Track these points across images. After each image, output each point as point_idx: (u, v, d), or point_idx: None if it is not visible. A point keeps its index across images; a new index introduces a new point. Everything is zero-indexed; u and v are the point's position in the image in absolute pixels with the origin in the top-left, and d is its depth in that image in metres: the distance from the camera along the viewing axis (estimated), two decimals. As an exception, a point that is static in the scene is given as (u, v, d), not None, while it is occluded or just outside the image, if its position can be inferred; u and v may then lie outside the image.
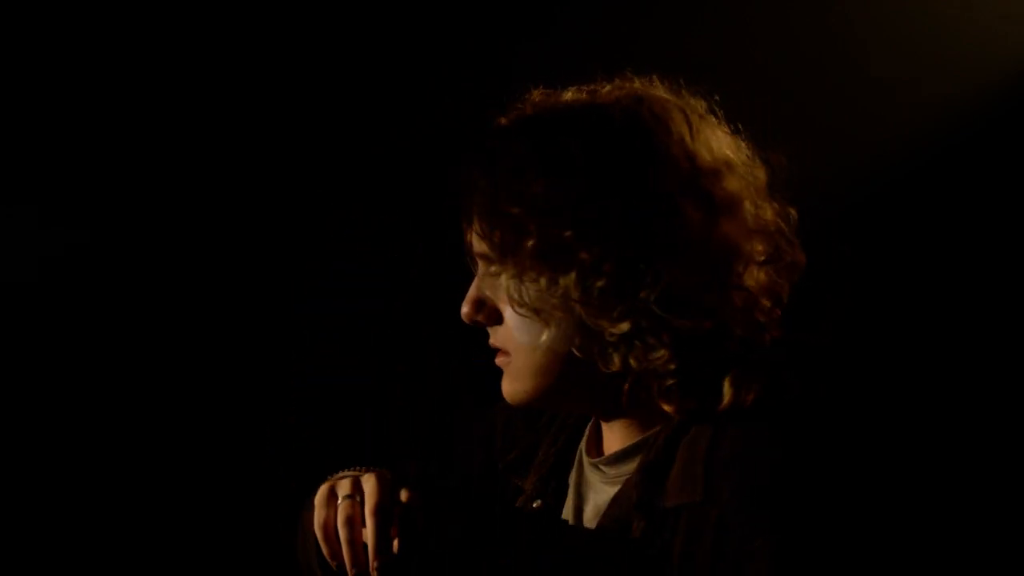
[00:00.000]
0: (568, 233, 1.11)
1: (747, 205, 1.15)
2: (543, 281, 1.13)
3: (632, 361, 1.13)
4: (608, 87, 1.20)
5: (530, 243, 1.13)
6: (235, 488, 2.08)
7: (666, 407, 1.15)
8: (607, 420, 1.24)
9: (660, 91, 1.19)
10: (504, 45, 2.04)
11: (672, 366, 1.12)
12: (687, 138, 1.14)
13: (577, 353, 1.15)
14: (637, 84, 1.20)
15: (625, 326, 1.12)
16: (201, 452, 2.08)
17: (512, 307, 1.17)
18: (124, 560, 2.03)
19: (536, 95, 1.21)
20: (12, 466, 2.00)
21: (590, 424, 1.31)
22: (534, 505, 1.31)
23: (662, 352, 1.12)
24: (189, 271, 2.07)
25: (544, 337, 1.16)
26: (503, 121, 1.21)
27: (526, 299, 1.15)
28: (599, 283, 1.11)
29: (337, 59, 2.08)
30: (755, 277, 1.15)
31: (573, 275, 1.12)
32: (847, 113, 2.00)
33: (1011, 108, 1.96)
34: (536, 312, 1.15)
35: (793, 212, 1.19)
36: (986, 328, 1.93)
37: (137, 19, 2.00)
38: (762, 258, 1.16)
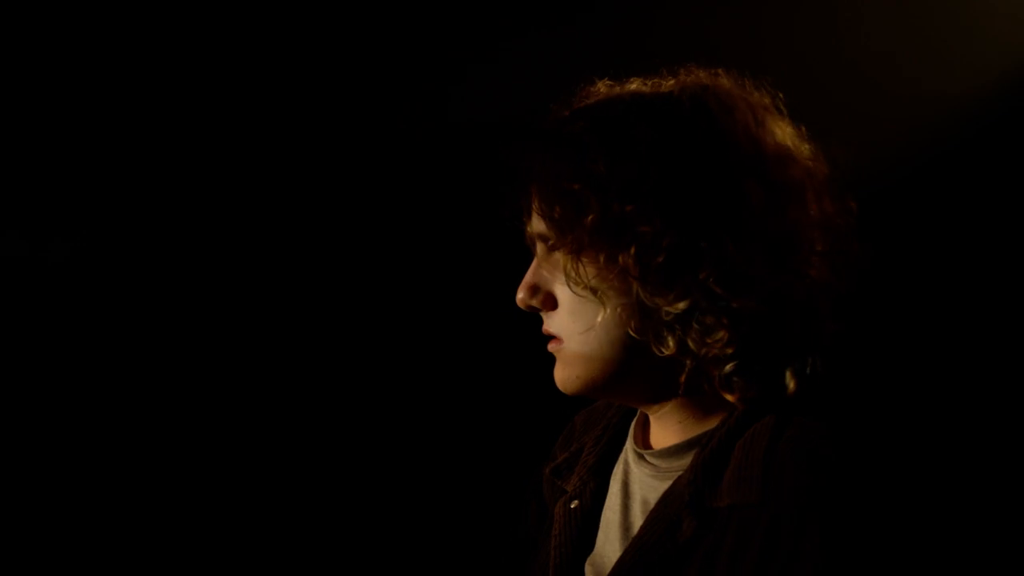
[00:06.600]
0: (629, 207, 1.11)
1: (810, 196, 1.15)
2: (602, 257, 1.13)
3: (690, 343, 1.13)
4: (672, 80, 1.19)
5: (590, 218, 1.12)
6: (235, 489, 2.07)
7: (727, 396, 1.14)
8: (660, 413, 1.22)
9: (726, 83, 1.19)
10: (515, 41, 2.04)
11: (730, 350, 1.12)
12: (752, 125, 1.15)
13: (633, 334, 1.14)
14: (703, 75, 1.19)
15: (682, 305, 1.11)
16: (204, 453, 2.06)
17: (569, 286, 1.16)
18: (124, 560, 2.01)
19: (601, 86, 1.21)
20: (12, 466, 1.98)
21: (636, 419, 1.30)
22: (571, 506, 1.30)
23: (721, 334, 1.11)
24: (190, 273, 2.06)
25: (600, 318, 1.15)
26: (565, 109, 1.20)
27: (583, 278, 1.14)
28: (658, 259, 1.11)
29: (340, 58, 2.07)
30: (816, 268, 1.14)
31: (632, 250, 1.11)
32: (846, 114, 2.01)
33: (1011, 108, 1.99)
34: (593, 291, 1.15)
35: (854, 207, 1.19)
36: (987, 327, 1.96)
37: (136, 20, 1.98)
38: (823, 250, 1.15)
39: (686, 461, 1.18)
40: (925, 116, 2.02)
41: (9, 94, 1.93)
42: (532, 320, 1.25)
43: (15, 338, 1.98)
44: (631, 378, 1.19)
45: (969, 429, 1.88)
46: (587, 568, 1.26)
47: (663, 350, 1.14)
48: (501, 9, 2.05)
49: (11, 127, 1.95)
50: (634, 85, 1.20)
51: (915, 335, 1.96)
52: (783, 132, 1.18)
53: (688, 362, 1.14)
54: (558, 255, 1.17)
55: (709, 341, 1.12)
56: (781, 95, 1.20)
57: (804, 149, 1.19)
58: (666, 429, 1.23)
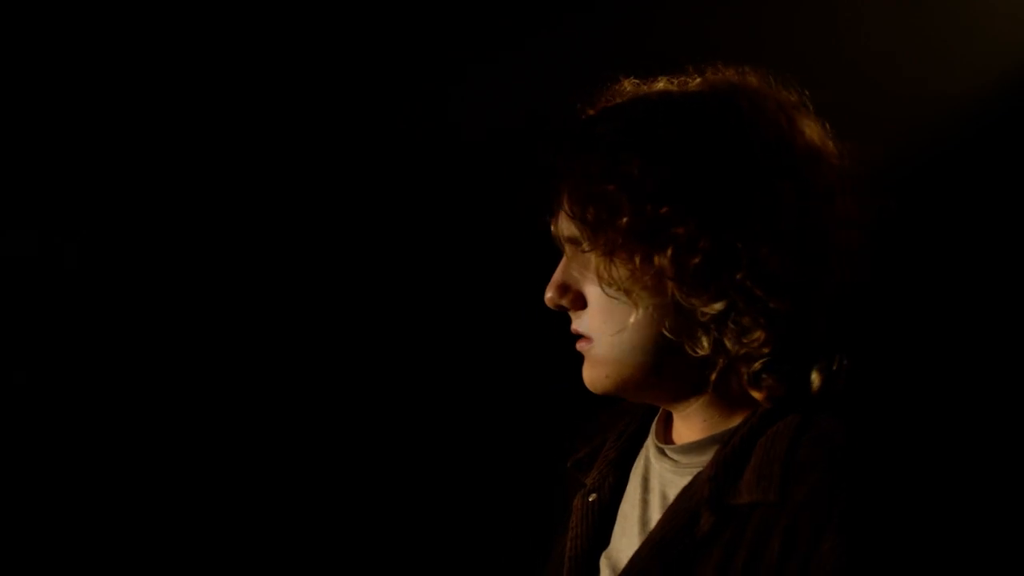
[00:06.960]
0: (664, 209, 1.11)
1: (839, 194, 1.16)
2: (637, 259, 1.13)
3: (727, 343, 1.13)
4: (699, 78, 1.19)
5: (624, 220, 1.12)
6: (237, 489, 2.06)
7: (755, 393, 1.15)
8: (687, 411, 1.22)
9: (754, 81, 1.19)
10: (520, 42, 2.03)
11: (766, 349, 1.12)
12: (783, 124, 1.15)
13: (668, 334, 1.14)
14: (730, 74, 1.19)
15: (719, 306, 1.12)
16: (218, 452, 2.05)
17: (601, 287, 1.16)
18: (125, 560, 1.99)
19: (627, 85, 1.20)
20: (12, 466, 1.96)
21: (658, 416, 1.30)
22: (589, 499, 1.30)
23: (758, 334, 1.12)
24: (192, 276, 2.05)
25: (632, 319, 1.15)
26: (592, 109, 1.20)
27: (616, 278, 1.14)
28: (695, 260, 1.11)
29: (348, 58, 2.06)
30: (843, 268, 1.15)
31: (669, 251, 1.11)
32: (846, 114, 2.01)
33: (1011, 108, 2.00)
34: (626, 292, 1.14)
35: (882, 207, 1.19)
36: (988, 328, 1.96)
37: (137, 20, 1.96)
38: (853, 248, 1.16)
39: (707, 457, 1.19)
40: (925, 116, 2.02)
41: (10, 94, 1.92)
42: (559, 318, 1.25)
43: (15, 338, 1.95)
44: (662, 378, 1.19)
45: (988, 431, 1.88)
46: (602, 562, 1.26)
47: (697, 350, 1.14)
48: (501, 9, 2.04)
49: (12, 127, 1.93)
50: (661, 84, 1.20)
51: (915, 335, 1.96)
52: (812, 130, 1.18)
53: (720, 360, 1.15)
54: (589, 256, 1.17)
55: (745, 341, 1.12)
56: (807, 92, 1.20)
57: (832, 147, 1.19)
58: (691, 426, 1.23)
